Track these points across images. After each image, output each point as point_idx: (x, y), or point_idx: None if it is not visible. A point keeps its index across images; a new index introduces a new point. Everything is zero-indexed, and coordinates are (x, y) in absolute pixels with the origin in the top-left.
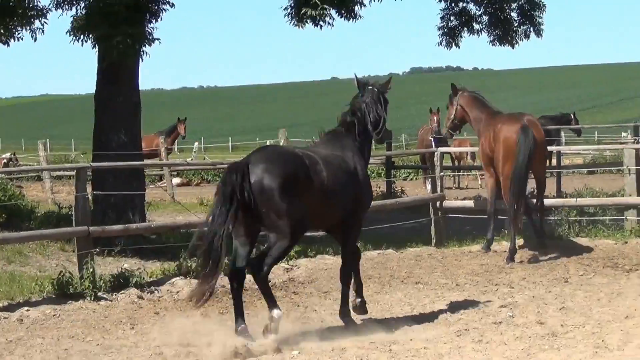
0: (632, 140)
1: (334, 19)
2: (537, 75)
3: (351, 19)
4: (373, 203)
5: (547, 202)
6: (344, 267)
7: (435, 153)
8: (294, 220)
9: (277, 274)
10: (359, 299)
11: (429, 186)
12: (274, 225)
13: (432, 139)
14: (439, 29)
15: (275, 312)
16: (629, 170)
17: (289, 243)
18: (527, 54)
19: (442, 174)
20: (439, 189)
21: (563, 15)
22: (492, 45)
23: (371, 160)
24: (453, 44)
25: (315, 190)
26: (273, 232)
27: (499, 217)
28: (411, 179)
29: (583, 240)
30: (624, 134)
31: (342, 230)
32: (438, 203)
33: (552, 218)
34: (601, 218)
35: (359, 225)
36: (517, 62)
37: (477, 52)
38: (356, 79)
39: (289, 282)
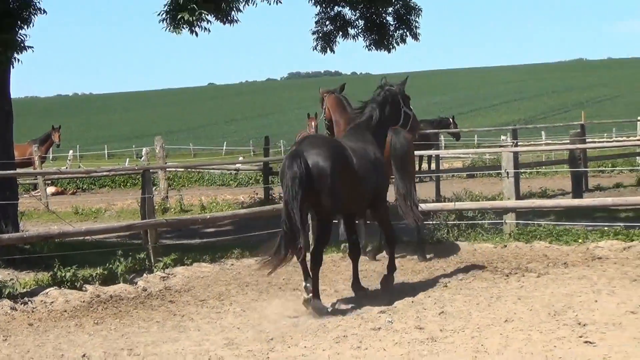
0: (511, 144)
1: (210, 23)
2: (416, 79)
3: (228, 23)
4: (250, 210)
5: (426, 206)
6: (388, 237)
7: None
8: (339, 202)
9: (154, 282)
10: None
11: None
12: (324, 206)
13: None
14: (314, 33)
15: (316, 302)
16: (507, 173)
17: (330, 224)
18: (405, 58)
19: None
20: None
21: (440, 19)
22: (369, 50)
23: (248, 167)
24: (328, 49)
25: (350, 174)
26: (322, 214)
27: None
28: None
29: (462, 245)
30: (502, 137)
31: (374, 211)
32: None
33: (431, 222)
34: (480, 222)
35: (386, 204)
36: (396, 66)
37: (355, 56)
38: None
39: (165, 291)
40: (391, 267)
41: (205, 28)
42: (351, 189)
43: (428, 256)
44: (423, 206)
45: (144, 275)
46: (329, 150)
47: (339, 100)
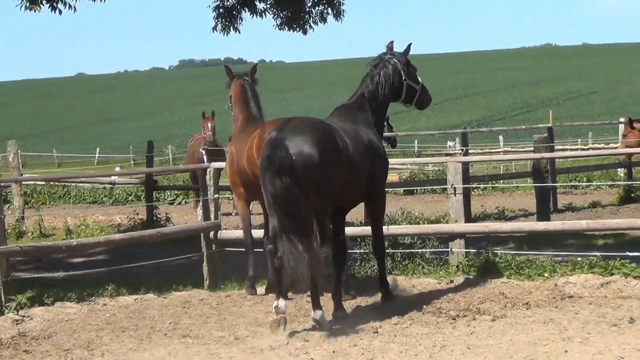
0: (459, 152)
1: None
2: (342, 69)
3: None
4: (129, 235)
5: (350, 230)
6: (376, 240)
7: (208, 169)
8: (330, 194)
9: (4, 326)
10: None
11: (200, 212)
12: (314, 198)
13: (203, 151)
14: (214, 9)
15: (317, 313)
16: (455, 189)
17: (325, 214)
18: (328, 42)
19: (216, 196)
20: (212, 216)
21: None
22: (280, 29)
23: (127, 179)
24: (232, 29)
25: (343, 161)
26: (313, 205)
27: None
28: (179, 203)
29: (397, 279)
30: (450, 143)
31: (368, 204)
32: (212, 234)
33: (357, 251)
34: (420, 250)
35: (383, 196)
36: (318, 53)
37: (266, 40)
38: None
39: (19, 338)
40: (384, 282)
41: (70, 5)
42: (343, 179)
43: (353, 293)
44: (347, 230)
45: None
46: (316, 134)
47: (244, 89)
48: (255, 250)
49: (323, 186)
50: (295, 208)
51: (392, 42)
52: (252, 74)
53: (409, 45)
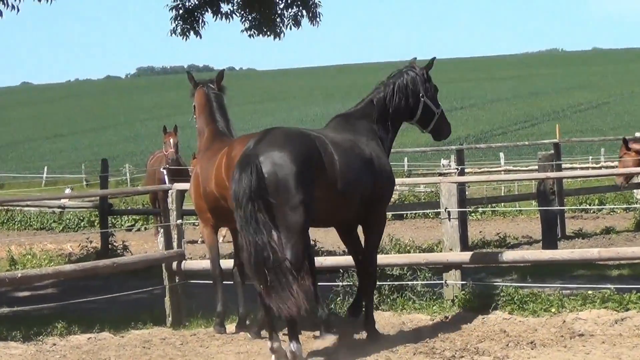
0: (455, 171)
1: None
2: (318, 78)
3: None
4: (81, 265)
5: (332, 260)
6: (367, 271)
7: (170, 191)
8: (308, 213)
9: None
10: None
11: (162, 239)
12: (288, 220)
13: (164, 171)
14: (172, 9)
15: (294, 346)
16: (449, 213)
17: (302, 243)
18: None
19: (180, 221)
20: (175, 244)
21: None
22: (249, 35)
23: (78, 203)
24: (192, 32)
25: (328, 177)
26: (287, 229)
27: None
28: (138, 230)
29: (385, 315)
30: (443, 162)
31: (364, 229)
32: (175, 264)
33: (340, 284)
34: (411, 283)
35: (382, 221)
36: (289, 61)
37: (235, 46)
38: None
39: None
40: (371, 320)
41: (13, 6)
42: (329, 199)
43: (335, 331)
44: (328, 260)
45: None
46: (295, 148)
47: (208, 99)
48: (224, 282)
49: (301, 209)
50: (270, 238)
51: (414, 58)
52: (219, 81)
53: (433, 60)
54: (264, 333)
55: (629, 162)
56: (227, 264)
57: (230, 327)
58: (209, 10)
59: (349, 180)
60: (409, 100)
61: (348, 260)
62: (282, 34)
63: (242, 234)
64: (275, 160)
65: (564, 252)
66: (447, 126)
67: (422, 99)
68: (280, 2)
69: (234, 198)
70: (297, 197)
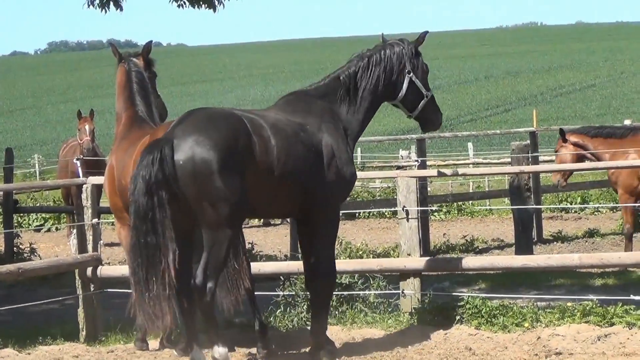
0: (414, 163)
1: None
2: (257, 55)
3: None
4: None
5: (272, 266)
6: (321, 275)
7: (85, 186)
8: (234, 207)
9: None
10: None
11: (75, 242)
12: (207, 217)
13: (78, 162)
14: None
15: (219, 350)
16: (407, 212)
17: (230, 239)
18: (238, 24)
19: (96, 220)
20: (90, 247)
21: None
22: (179, 6)
23: None
24: (112, 3)
25: (260, 165)
26: (207, 227)
27: None
28: (48, 230)
29: (332, 330)
30: (402, 153)
31: (310, 227)
32: (89, 270)
33: (280, 293)
34: (363, 292)
35: (333, 220)
36: (224, 36)
37: (161, 19)
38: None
39: None
40: (323, 334)
41: None
42: (263, 188)
43: (273, 348)
44: (267, 266)
45: None
46: (219, 132)
47: (128, 77)
48: None
49: (223, 205)
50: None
51: (381, 34)
52: (145, 55)
53: (424, 34)
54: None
55: (567, 157)
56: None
57: (154, 342)
58: None
59: (288, 168)
60: (391, 75)
61: (290, 266)
62: (220, 5)
63: (132, 233)
64: (193, 146)
65: (540, 258)
66: (437, 114)
67: (409, 75)
68: None
69: (129, 190)
70: (218, 191)
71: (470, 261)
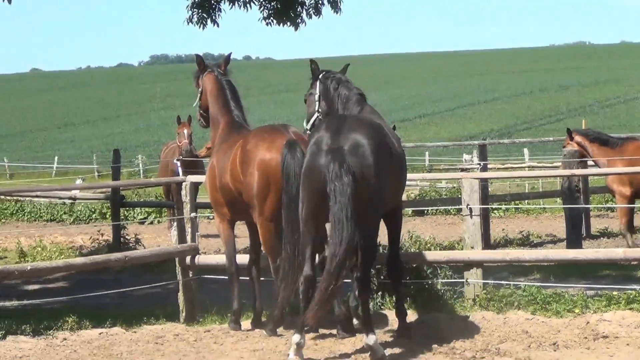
0: (477, 166)
1: None
2: (336, 68)
3: None
4: (93, 258)
5: None
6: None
7: (184, 183)
8: (383, 203)
9: None
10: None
11: (175, 233)
12: (363, 210)
13: (177, 162)
14: None
15: (372, 337)
16: (471, 210)
17: (376, 236)
18: (321, 38)
19: (194, 214)
20: (189, 238)
21: None
22: (267, 24)
23: (90, 194)
24: (209, 21)
25: (391, 166)
26: (364, 225)
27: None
28: (151, 223)
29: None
30: (466, 157)
31: (394, 221)
32: (188, 258)
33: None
34: (431, 281)
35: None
36: (310, 50)
37: (251, 34)
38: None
39: None
40: (404, 318)
41: None
42: (390, 186)
43: (354, 335)
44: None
45: None
46: (377, 139)
47: (221, 86)
48: (240, 278)
49: (378, 197)
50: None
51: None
52: (225, 65)
53: (346, 67)
54: (279, 330)
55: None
56: (243, 259)
57: (246, 323)
58: None
59: (400, 165)
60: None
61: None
62: (302, 23)
63: (335, 227)
64: (365, 151)
65: (588, 252)
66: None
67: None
68: None
69: (331, 191)
70: (375, 189)
71: (527, 254)
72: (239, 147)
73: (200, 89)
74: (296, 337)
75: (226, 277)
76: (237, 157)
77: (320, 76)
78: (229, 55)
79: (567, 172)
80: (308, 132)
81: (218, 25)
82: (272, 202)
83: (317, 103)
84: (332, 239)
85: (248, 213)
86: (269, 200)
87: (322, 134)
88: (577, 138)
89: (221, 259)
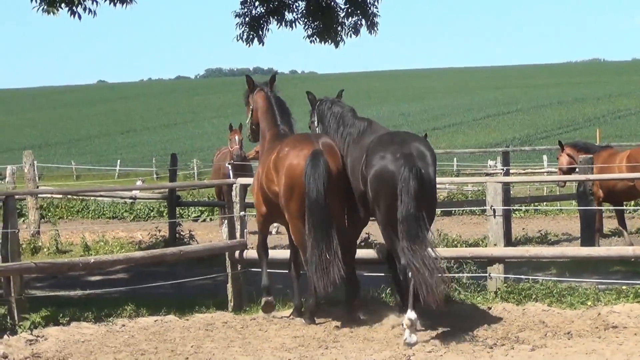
0: (500, 171)
1: (97, 3)
2: (373, 81)
3: (120, 4)
4: (150, 252)
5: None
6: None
7: (234, 185)
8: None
9: (17, 347)
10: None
11: (226, 230)
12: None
13: (229, 166)
14: (238, 16)
15: (411, 314)
16: (494, 211)
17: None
18: (359, 55)
19: (243, 213)
20: (238, 234)
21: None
22: (311, 42)
23: (149, 194)
24: (256, 39)
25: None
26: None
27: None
28: (204, 220)
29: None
30: (490, 163)
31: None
32: (237, 253)
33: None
34: (457, 275)
35: None
36: (349, 64)
37: (296, 51)
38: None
39: (32, 359)
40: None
41: (90, 10)
42: None
43: (388, 323)
44: (371, 252)
45: (5, 337)
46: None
47: (269, 102)
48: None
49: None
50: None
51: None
52: (272, 84)
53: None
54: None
55: (564, 166)
56: (285, 254)
57: (286, 312)
58: (274, 18)
59: None
60: None
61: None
62: (341, 42)
63: (404, 223)
64: (429, 159)
65: (601, 250)
66: None
67: None
68: (341, 11)
69: (406, 191)
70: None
71: (545, 251)
72: (274, 153)
73: (251, 107)
74: (411, 314)
75: (273, 270)
76: (271, 161)
77: (316, 105)
78: (275, 74)
79: (582, 177)
80: None
81: (263, 44)
82: (296, 202)
83: (317, 129)
84: (406, 234)
85: (281, 213)
86: (293, 201)
87: (384, 145)
88: (567, 150)
89: (269, 253)
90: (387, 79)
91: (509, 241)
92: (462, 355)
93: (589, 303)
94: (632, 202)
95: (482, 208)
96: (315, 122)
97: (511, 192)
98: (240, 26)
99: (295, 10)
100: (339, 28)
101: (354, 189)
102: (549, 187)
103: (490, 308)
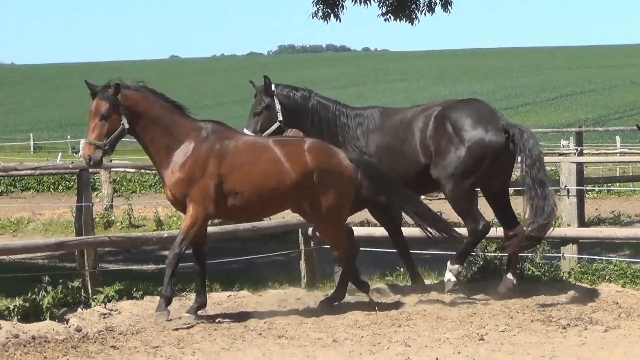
0: (574, 152)
1: None
2: (447, 60)
3: None
4: (222, 228)
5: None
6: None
7: None
8: None
9: (91, 320)
10: None
11: None
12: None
13: None
14: None
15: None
16: (568, 191)
17: None
18: (432, 33)
19: None
20: None
21: None
22: (385, 20)
23: None
24: (332, 16)
25: None
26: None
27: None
28: None
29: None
30: (563, 143)
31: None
32: (310, 230)
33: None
34: (530, 255)
35: None
36: (421, 43)
37: (368, 28)
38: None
39: (106, 333)
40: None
41: None
42: None
43: (460, 298)
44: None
45: (79, 310)
46: None
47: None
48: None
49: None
50: None
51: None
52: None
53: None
54: (375, 298)
55: None
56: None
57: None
58: None
59: None
60: None
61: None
62: (416, 20)
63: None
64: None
65: None
66: None
67: None
68: None
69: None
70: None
71: (618, 232)
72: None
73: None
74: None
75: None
76: None
77: (275, 90)
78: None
79: None
80: None
81: (340, 20)
82: None
83: (279, 114)
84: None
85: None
86: None
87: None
88: None
89: None
90: (460, 57)
91: (582, 222)
92: (535, 335)
93: None
94: None
95: (555, 188)
96: (277, 107)
97: (584, 172)
98: (317, 3)
99: None
100: (414, 6)
101: (392, 168)
102: (622, 168)
103: (563, 288)
